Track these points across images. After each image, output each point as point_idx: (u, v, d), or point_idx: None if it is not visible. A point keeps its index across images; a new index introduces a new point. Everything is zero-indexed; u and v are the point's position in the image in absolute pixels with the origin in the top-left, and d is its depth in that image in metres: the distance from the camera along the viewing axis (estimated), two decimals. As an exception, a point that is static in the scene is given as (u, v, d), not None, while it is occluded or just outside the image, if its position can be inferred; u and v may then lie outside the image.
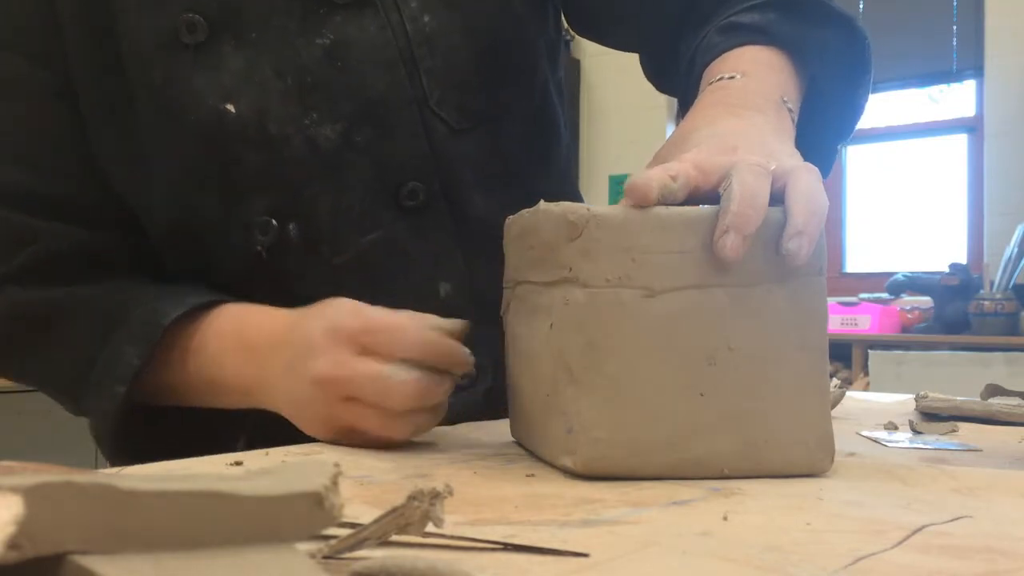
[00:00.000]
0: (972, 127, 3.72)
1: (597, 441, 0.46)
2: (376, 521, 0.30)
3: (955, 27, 3.71)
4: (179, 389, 0.67)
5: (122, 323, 0.66)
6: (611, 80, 4.25)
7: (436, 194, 0.70)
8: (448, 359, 0.55)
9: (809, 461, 0.48)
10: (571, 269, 0.47)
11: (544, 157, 0.81)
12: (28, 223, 0.69)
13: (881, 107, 4.01)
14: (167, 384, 0.67)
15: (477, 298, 0.71)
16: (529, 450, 0.55)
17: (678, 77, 0.74)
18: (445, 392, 0.56)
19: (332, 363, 0.55)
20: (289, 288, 0.69)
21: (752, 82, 0.61)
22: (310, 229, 0.69)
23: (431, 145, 0.70)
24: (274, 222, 0.68)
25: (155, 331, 0.63)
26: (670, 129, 4.31)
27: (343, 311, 0.57)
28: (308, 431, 0.59)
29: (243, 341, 0.63)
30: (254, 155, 0.67)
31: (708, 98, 0.61)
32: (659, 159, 0.54)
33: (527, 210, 0.53)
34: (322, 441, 0.58)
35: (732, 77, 0.61)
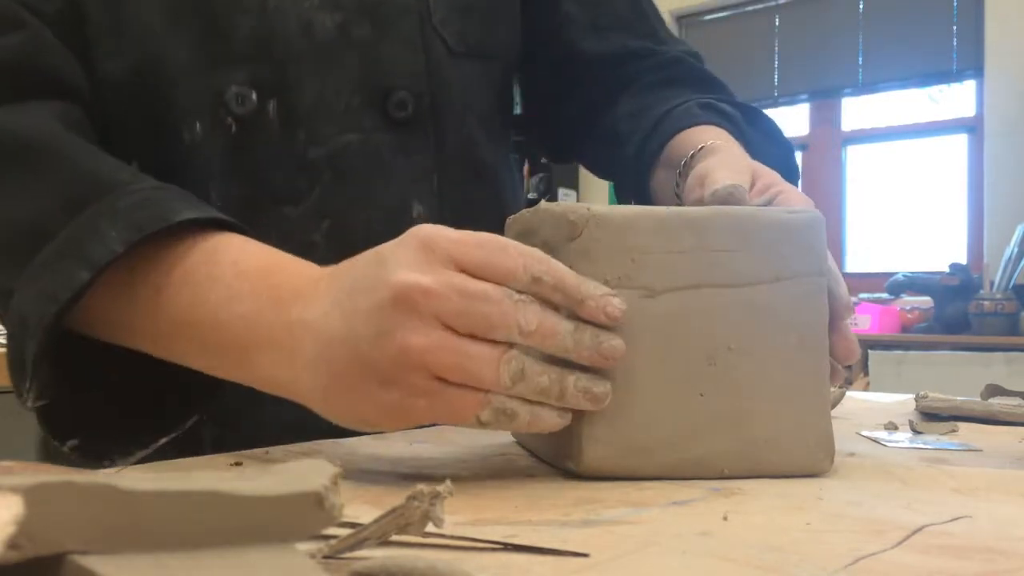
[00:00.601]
0: (972, 127, 3.73)
1: (597, 441, 0.46)
2: (376, 521, 0.30)
3: (955, 27, 3.71)
4: (143, 321, 0.52)
5: (99, 195, 0.52)
6: (611, 80, 4.24)
7: (424, 112, 0.69)
8: (578, 290, 0.44)
9: (809, 461, 0.48)
10: (571, 269, 0.47)
11: (504, 127, 0.81)
12: (20, 12, 0.59)
13: (881, 107, 4.01)
14: (128, 309, 0.52)
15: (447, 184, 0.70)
16: (529, 450, 0.55)
17: (588, 140, 0.82)
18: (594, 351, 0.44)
19: (420, 270, 0.42)
20: (253, 179, 0.63)
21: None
22: (290, 111, 0.64)
23: (427, 61, 0.69)
24: (253, 95, 0.63)
25: (154, 222, 0.49)
26: (670, 129, 4.31)
27: (424, 228, 0.45)
28: (340, 395, 0.45)
29: (269, 281, 0.49)
30: (246, 21, 0.63)
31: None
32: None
33: (527, 210, 0.53)
34: (347, 421, 0.46)
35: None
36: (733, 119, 0.71)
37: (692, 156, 0.64)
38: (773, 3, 4.18)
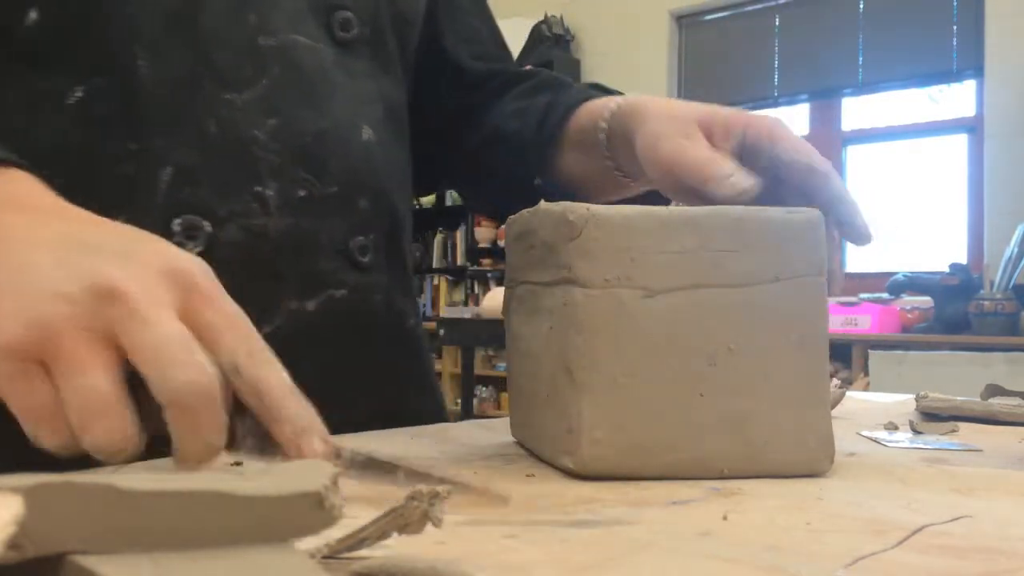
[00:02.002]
0: (972, 127, 3.73)
1: (597, 441, 0.46)
2: (375, 521, 0.30)
3: (955, 27, 3.72)
4: None
5: None
6: (611, 80, 4.24)
7: (366, 37, 0.66)
8: (282, 408, 0.37)
9: (809, 461, 0.48)
10: (570, 269, 0.47)
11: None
12: None
13: (881, 107, 4.02)
14: None
15: (387, 168, 0.67)
16: (529, 450, 0.55)
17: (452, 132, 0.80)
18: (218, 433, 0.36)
19: (129, 275, 0.36)
20: (194, 54, 0.58)
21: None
22: None
23: None
24: None
25: None
26: (670, 129, 4.32)
27: (196, 259, 0.39)
28: None
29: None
30: None
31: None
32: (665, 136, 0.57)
33: (527, 210, 0.53)
34: None
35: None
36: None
37: (617, 107, 0.63)
38: (773, 3, 4.18)
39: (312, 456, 0.37)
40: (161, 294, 0.36)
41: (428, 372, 0.75)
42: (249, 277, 0.56)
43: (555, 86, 0.76)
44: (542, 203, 0.51)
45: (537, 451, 0.53)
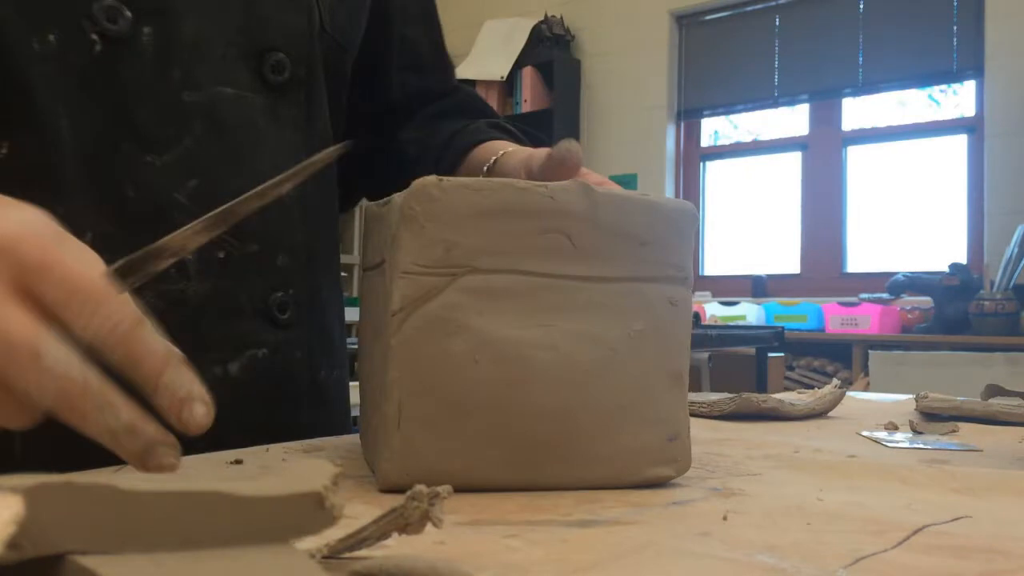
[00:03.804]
0: (972, 127, 3.73)
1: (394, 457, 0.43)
2: (376, 521, 0.30)
3: (955, 27, 3.72)
4: None
5: None
6: (611, 80, 4.25)
7: (299, 82, 0.64)
8: (156, 362, 0.35)
9: (651, 471, 0.45)
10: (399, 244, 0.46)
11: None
12: None
13: (881, 107, 4.02)
14: None
15: (307, 218, 0.66)
16: None
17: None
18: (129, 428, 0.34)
19: None
20: (115, 114, 0.56)
21: None
22: (167, 43, 0.57)
23: (309, 24, 0.64)
24: (128, 13, 0.56)
25: None
26: (670, 130, 4.32)
27: (28, 220, 0.37)
28: None
29: None
30: None
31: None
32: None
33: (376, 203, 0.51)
34: None
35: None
36: (518, 137, 0.73)
37: (494, 162, 0.65)
38: (773, 3, 4.18)
39: (195, 425, 0.34)
40: None
41: (341, 422, 0.73)
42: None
43: (457, 115, 0.77)
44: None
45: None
